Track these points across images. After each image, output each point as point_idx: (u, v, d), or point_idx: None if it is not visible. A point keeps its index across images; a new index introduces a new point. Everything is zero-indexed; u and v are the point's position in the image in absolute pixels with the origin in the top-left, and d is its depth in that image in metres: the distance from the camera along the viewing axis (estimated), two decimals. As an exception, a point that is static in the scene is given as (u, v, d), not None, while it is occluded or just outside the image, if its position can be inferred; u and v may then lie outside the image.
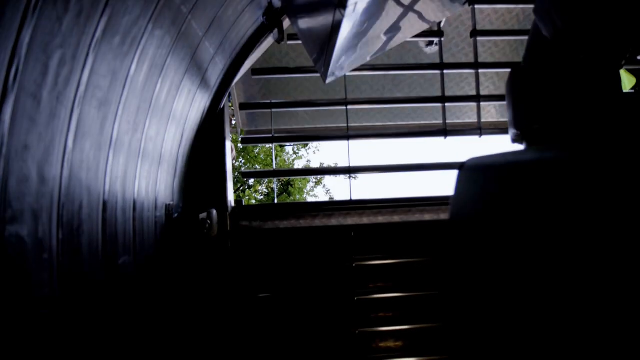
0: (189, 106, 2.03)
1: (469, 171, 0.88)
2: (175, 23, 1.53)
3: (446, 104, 2.86)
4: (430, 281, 2.60)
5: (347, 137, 2.85)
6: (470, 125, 3.07)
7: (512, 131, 2.29)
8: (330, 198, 13.51)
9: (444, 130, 2.84)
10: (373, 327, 2.57)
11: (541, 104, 2.01)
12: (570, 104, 1.90)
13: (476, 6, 2.84)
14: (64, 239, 1.03)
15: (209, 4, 1.71)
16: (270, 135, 3.05)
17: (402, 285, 2.60)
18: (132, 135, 1.45)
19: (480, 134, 2.86)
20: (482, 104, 2.89)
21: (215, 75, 2.24)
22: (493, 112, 3.28)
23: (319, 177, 13.08)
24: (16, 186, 0.85)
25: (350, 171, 2.91)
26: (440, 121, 2.88)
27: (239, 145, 11.18)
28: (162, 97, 1.65)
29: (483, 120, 2.89)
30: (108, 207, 1.31)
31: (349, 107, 2.95)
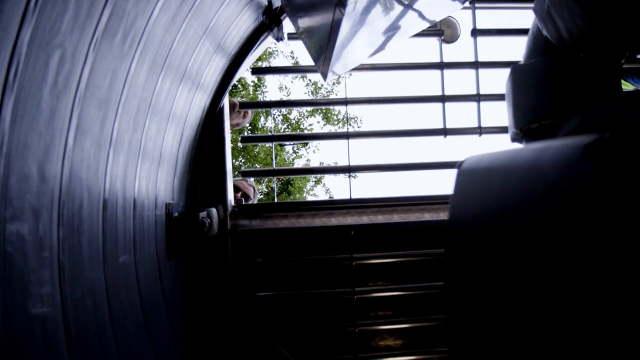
0: (188, 105, 2.03)
1: (468, 170, 0.88)
2: (175, 22, 1.54)
3: (446, 103, 2.87)
4: (429, 279, 2.61)
5: (347, 136, 2.85)
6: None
7: (511, 130, 2.30)
8: (330, 197, 13.51)
9: (444, 129, 2.84)
10: (373, 326, 2.58)
11: (541, 102, 2.01)
12: (571, 102, 1.91)
13: (476, 5, 2.85)
14: (65, 237, 1.04)
15: (210, 3, 1.71)
16: (270, 135, 3.06)
17: (401, 284, 2.60)
18: (132, 134, 1.45)
19: (480, 133, 2.86)
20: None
21: (215, 74, 2.24)
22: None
23: (318, 176, 13.09)
24: (17, 184, 0.85)
25: (349, 170, 2.90)
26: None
27: (239, 144, 11.18)
28: (162, 96, 1.65)
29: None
30: (108, 205, 1.31)
31: (349, 106, 2.96)
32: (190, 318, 2.18)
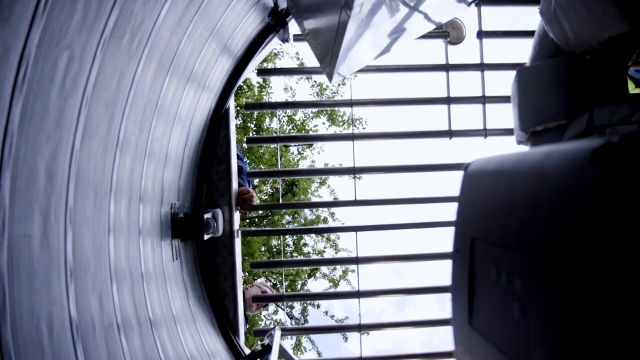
0: (194, 106, 2.04)
1: (474, 173, 0.88)
2: (181, 24, 1.54)
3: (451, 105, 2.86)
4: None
5: (352, 138, 2.85)
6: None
7: (517, 132, 2.28)
8: (335, 198, 13.51)
9: (449, 131, 2.84)
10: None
11: (547, 104, 2.00)
12: (577, 103, 1.90)
13: (482, 7, 2.85)
14: (72, 237, 1.04)
15: (216, 5, 1.72)
16: (275, 136, 3.07)
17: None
18: (138, 135, 1.46)
19: (486, 135, 2.85)
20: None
21: (220, 75, 2.25)
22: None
23: (323, 177, 13.09)
24: (25, 185, 0.86)
25: (354, 171, 2.90)
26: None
27: (244, 145, 11.20)
28: (168, 97, 1.66)
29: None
30: (115, 205, 1.32)
31: (354, 107, 2.96)
32: (195, 316, 2.18)
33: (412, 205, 2.81)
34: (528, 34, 2.81)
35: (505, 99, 2.83)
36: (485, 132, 2.85)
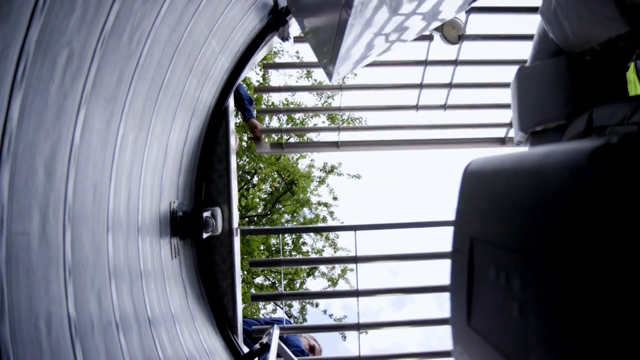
0: (194, 105, 2.03)
1: (474, 173, 0.88)
2: (181, 22, 1.54)
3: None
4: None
5: (338, 129, 3.27)
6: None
7: (517, 133, 2.28)
8: (334, 198, 13.53)
9: (416, 106, 3.25)
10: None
11: (547, 104, 2.00)
12: (577, 104, 1.89)
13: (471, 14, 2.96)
14: (70, 234, 1.04)
15: (216, 3, 1.71)
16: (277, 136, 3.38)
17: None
18: (137, 132, 1.46)
19: (445, 109, 3.27)
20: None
21: (220, 73, 2.25)
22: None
23: (322, 176, 13.14)
24: (23, 182, 0.85)
25: (338, 145, 3.27)
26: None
27: (243, 144, 11.20)
28: (167, 95, 1.66)
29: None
30: (114, 203, 1.32)
31: (347, 112, 3.10)
32: (194, 315, 2.18)
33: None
34: (509, 37, 3.14)
35: (466, 106, 3.31)
36: (444, 107, 3.26)
